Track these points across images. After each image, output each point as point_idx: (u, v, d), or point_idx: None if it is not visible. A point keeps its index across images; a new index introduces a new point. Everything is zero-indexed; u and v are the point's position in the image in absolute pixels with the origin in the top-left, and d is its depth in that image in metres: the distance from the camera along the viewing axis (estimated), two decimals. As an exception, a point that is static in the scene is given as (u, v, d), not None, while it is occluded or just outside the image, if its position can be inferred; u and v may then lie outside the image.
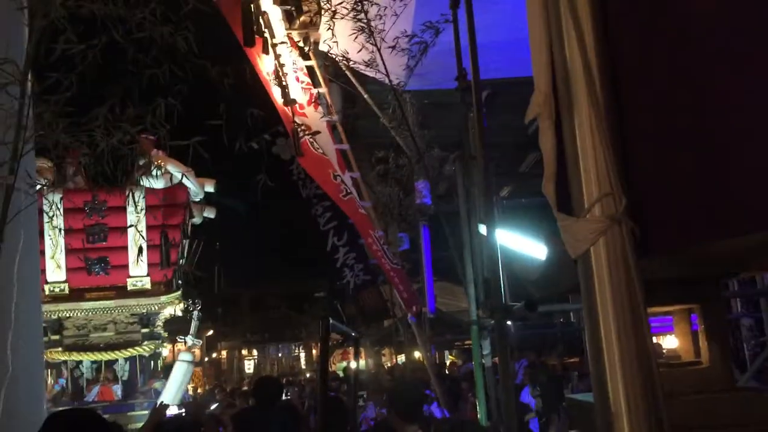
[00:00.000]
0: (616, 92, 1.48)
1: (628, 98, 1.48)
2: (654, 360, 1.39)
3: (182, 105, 3.34)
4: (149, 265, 10.15)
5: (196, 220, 11.21)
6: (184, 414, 7.09)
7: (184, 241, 10.84)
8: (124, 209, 9.94)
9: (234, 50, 7.17)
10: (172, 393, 10.01)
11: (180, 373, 10.38)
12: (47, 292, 9.67)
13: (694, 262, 1.81)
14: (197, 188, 10.54)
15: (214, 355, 34.48)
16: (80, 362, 10.21)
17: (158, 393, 10.08)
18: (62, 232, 9.44)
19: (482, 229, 4.76)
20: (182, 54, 3.21)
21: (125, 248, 10.09)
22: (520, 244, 4.18)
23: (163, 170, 9.43)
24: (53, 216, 8.55)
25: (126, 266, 10.21)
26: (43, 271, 9.46)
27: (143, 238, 9.84)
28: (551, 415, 7.72)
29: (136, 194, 9.50)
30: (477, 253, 5.52)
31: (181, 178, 9.63)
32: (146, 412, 8.60)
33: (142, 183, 9.28)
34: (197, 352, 11.36)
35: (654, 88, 1.46)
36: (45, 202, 8.07)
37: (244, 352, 37.46)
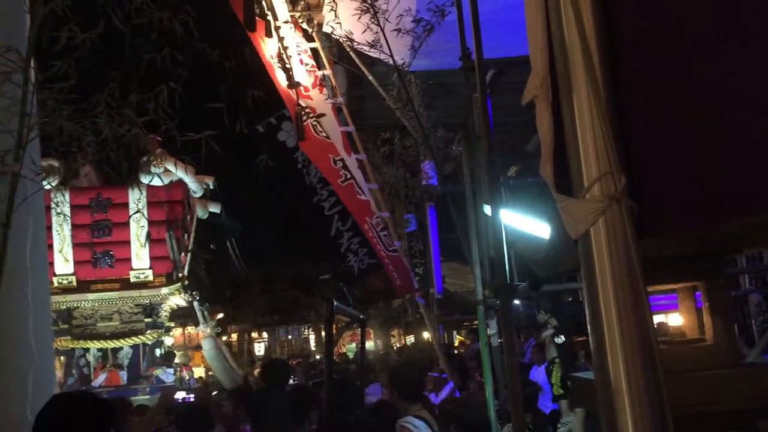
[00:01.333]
0: (615, 71, 1.47)
1: (628, 77, 1.48)
2: (654, 338, 1.40)
3: (184, 94, 3.35)
4: (151, 258, 10.59)
5: (202, 215, 11.62)
6: (192, 399, 7.16)
7: (185, 234, 11.23)
8: (127, 206, 10.41)
9: (237, 35, 7.16)
10: (221, 379, 10.39)
11: (212, 360, 10.64)
12: (56, 284, 10.15)
13: (695, 241, 1.81)
14: (197, 185, 10.90)
15: (225, 338, 34.71)
16: (87, 350, 10.74)
17: (159, 379, 10.69)
18: (69, 224, 9.86)
19: (487, 209, 4.76)
20: (183, 39, 3.21)
21: (129, 242, 10.55)
22: (525, 223, 4.19)
23: (162, 168, 9.74)
24: (61, 212, 9.11)
25: (129, 259, 10.67)
26: (52, 263, 9.88)
27: (147, 232, 10.22)
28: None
29: (138, 191, 10.02)
30: (483, 233, 5.53)
31: (183, 177, 9.96)
32: (149, 396, 9.38)
33: (143, 180, 9.83)
34: (209, 331, 11.82)
35: (654, 67, 1.45)
36: (53, 199, 8.76)
37: (254, 334, 37.71)
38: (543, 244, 2.68)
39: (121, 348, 10.78)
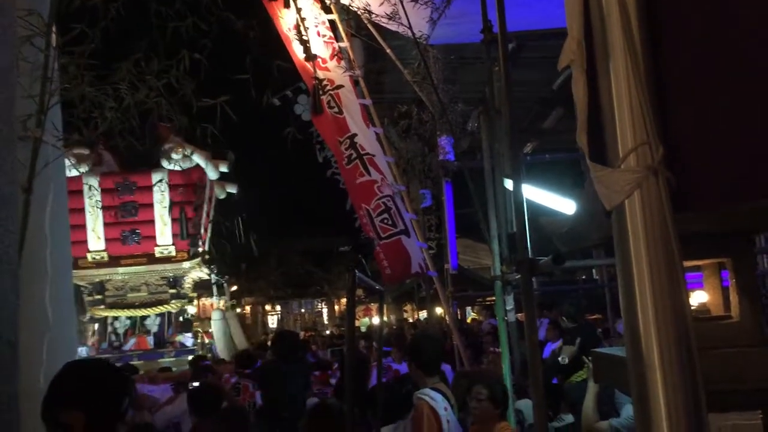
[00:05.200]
0: (654, 36, 1.42)
1: (668, 42, 1.43)
2: (689, 313, 1.37)
3: (205, 64, 3.34)
4: (173, 235, 11.93)
5: (220, 195, 12.78)
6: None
7: (205, 214, 12.48)
8: (150, 188, 11.67)
9: (252, 7, 7.10)
10: (219, 346, 12.26)
11: (216, 331, 12.52)
12: (90, 260, 11.76)
13: (728, 216, 1.77)
14: (212, 169, 11.94)
15: (239, 310, 35.04)
16: (117, 318, 12.14)
17: (182, 344, 12.19)
18: (100, 206, 11.18)
19: (508, 183, 4.72)
20: (205, 6, 3.17)
21: (153, 221, 11.87)
22: (547, 198, 4.16)
23: (182, 154, 10.98)
24: (92, 195, 10.48)
25: (154, 237, 12.01)
26: (86, 241, 11.65)
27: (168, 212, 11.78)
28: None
29: (160, 175, 11.31)
30: (501, 209, 5.49)
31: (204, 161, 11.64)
32: (174, 358, 10.95)
33: (164, 166, 11.06)
34: (221, 304, 13.73)
35: (697, 32, 1.40)
36: (85, 184, 10.43)
37: (268, 307, 38.05)
38: (566, 218, 2.64)
39: (148, 316, 12.01)
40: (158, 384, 7.07)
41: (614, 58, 1.41)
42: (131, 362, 9.70)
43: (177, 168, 11.45)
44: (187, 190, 11.74)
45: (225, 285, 14.04)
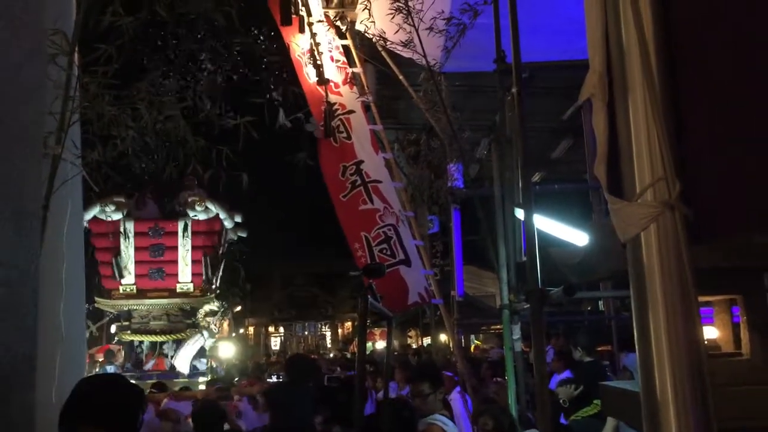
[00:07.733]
0: (673, 72, 1.44)
1: (686, 79, 1.44)
2: (703, 348, 1.37)
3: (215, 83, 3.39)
4: (192, 274, 14.01)
5: (233, 238, 14.89)
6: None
7: (219, 257, 14.74)
8: (176, 233, 13.81)
9: (265, 33, 7.18)
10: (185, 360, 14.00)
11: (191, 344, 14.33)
12: (121, 291, 13.85)
13: (740, 252, 1.77)
14: (229, 220, 14.13)
15: (242, 330, 34.95)
16: (142, 342, 14.17)
17: (195, 367, 14.03)
18: (133, 246, 13.44)
19: (519, 213, 4.73)
20: (224, 31, 3.22)
21: (176, 261, 13.97)
22: (558, 229, 4.17)
23: (204, 206, 13.36)
24: (127, 237, 12.99)
25: (176, 274, 14.03)
26: (121, 275, 13.79)
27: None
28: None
29: (185, 223, 13.53)
30: (510, 237, 5.49)
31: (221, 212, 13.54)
32: (186, 380, 12.88)
33: (189, 215, 13.39)
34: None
35: (715, 69, 1.42)
36: (122, 227, 13.07)
37: (271, 329, 37.94)
38: (577, 250, 2.64)
39: (167, 341, 14.08)
40: (180, 401, 8.51)
41: (633, 94, 1.42)
42: (151, 380, 11.62)
43: (199, 218, 13.64)
44: (207, 236, 13.88)
45: (230, 313, 16.04)
